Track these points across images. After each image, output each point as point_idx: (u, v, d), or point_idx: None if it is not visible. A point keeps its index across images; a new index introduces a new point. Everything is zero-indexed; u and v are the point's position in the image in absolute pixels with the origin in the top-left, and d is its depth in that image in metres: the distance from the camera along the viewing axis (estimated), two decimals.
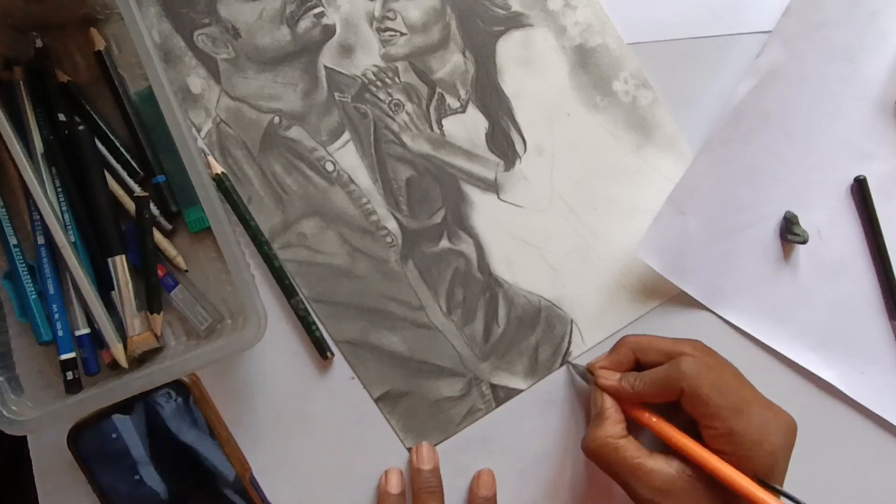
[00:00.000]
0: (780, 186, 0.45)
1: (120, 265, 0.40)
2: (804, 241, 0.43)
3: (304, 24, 0.45)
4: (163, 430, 0.41)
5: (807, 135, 0.45)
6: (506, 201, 0.45)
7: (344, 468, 0.44)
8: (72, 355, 0.40)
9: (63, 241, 0.39)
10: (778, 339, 0.44)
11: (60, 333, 0.41)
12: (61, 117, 0.41)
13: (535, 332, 0.44)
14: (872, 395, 0.44)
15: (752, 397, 0.37)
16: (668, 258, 0.44)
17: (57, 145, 0.41)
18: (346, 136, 0.45)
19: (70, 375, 0.40)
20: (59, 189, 0.41)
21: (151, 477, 0.41)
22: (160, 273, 0.42)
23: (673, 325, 0.44)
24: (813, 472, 0.44)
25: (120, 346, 0.40)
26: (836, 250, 0.45)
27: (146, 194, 0.41)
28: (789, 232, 0.44)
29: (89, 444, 0.41)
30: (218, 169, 0.44)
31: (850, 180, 0.45)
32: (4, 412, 0.38)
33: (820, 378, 0.44)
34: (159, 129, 0.41)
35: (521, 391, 0.44)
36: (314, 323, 0.44)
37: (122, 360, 0.40)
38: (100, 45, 0.43)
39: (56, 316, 0.41)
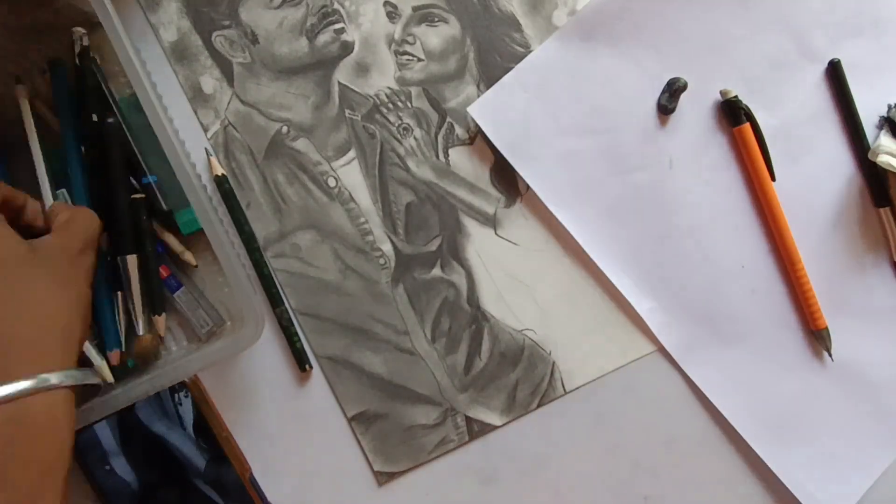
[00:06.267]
0: (645, 105, 0.48)
1: (132, 264, 0.45)
2: (668, 111, 0.48)
3: (324, 38, 0.49)
4: (133, 421, 0.46)
5: (682, 59, 0.48)
6: (502, 237, 0.49)
7: (343, 468, 0.48)
8: None
9: None
10: (603, 258, 0.48)
11: None
12: (94, 117, 0.45)
13: (516, 369, 0.48)
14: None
15: None
16: (506, 131, 0.48)
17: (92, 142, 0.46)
18: (352, 153, 0.49)
19: None
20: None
21: (122, 467, 0.45)
22: (163, 274, 0.46)
23: (652, 379, 0.48)
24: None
25: (104, 364, 0.44)
26: (686, 179, 0.48)
27: (143, 196, 0.45)
28: (669, 95, 0.47)
29: (79, 440, 0.45)
30: (219, 170, 0.48)
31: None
32: None
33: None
34: (146, 135, 0.45)
35: (496, 427, 0.48)
36: (296, 334, 0.48)
37: (108, 376, 0.44)
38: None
39: None
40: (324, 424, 0.48)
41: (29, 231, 0.41)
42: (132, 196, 0.45)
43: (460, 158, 0.49)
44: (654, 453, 0.48)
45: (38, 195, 0.45)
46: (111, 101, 0.47)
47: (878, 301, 0.47)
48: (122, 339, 0.45)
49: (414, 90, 0.49)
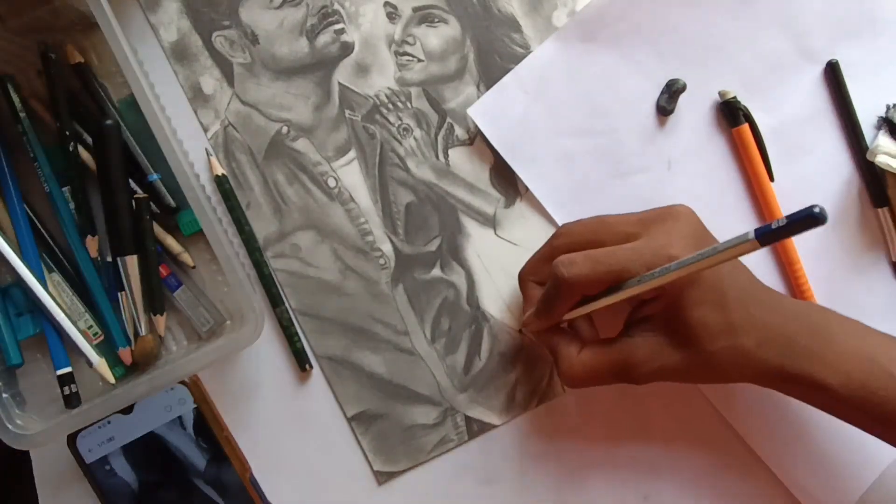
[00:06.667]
0: (644, 106, 0.49)
1: (132, 265, 0.45)
2: (667, 113, 0.48)
3: (324, 38, 0.49)
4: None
5: (681, 60, 0.49)
6: (502, 238, 0.49)
7: (343, 468, 0.48)
8: (68, 370, 0.45)
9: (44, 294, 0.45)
10: None
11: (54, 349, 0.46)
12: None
13: (515, 369, 0.49)
14: None
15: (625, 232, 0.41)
16: (505, 133, 0.48)
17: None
18: (352, 154, 0.49)
19: (67, 390, 0.45)
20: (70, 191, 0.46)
21: (122, 467, 0.46)
22: (163, 273, 0.46)
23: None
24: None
25: (103, 361, 0.45)
26: (685, 181, 0.49)
27: (146, 195, 0.45)
28: (668, 97, 0.47)
29: (89, 443, 0.45)
30: (219, 170, 0.48)
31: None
32: (11, 427, 0.42)
33: None
34: (145, 135, 0.45)
35: (495, 426, 0.48)
36: (296, 334, 0.48)
37: (109, 376, 0.44)
38: (76, 58, 0.47)
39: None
40: (324, 424, 0.48)
41: None
42: (135, 196, 0.46)
43: (460, 159, 0.49)
44: (654, 453, 0.48)
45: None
46: (108, 102, 0.47)
47: (876, 301, 0.48)
48: (132, 338, 0.46)
49: (414, 91, 0.49)
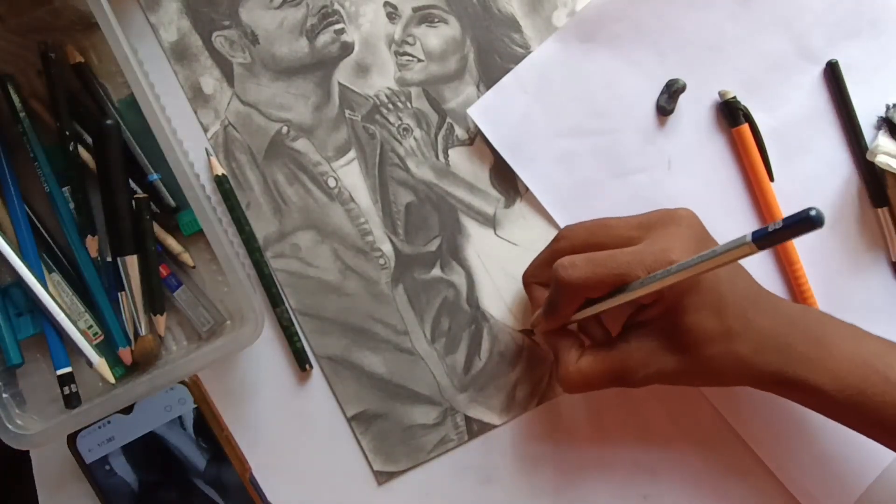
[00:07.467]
0: (644, 106, 0.49)
1: (132, 265, 0.45)
2: (667, 113, 0.48)
3: (324, 38, 0.49)
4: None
5: (681, 60, 0.49)
6: (502, 237, 0.49)
7: (343, 468, 0.49)
8: (68, 370, 0.46)
9: (42, 293, 0.45)
10: None
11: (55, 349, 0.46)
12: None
13: (515, 369, 0.49)
14: None
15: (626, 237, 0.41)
16: (505, 133, 0.48)
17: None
18: (352, 154, 0.49)
19: (67, 390, 0.45)
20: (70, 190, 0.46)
21: (122, 467, 0.46)
22: (163, 273, 0.47)
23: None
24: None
25: (103, 361, 0.45)
26: (685, 181, 0.49)
27: (146, 195, 0.46)
28: (668, 97, 0.47)
29: (89, 443, 0.45)
30: (219, 170, 0.48)
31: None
32: (11, 427, 0.43)
33: None
34: (145, 135, 0.45)
35: (495, 426, 0.48)
36: (296, 334, 0.48)
37: (109, 376, 0.45)
38: (76, 58, 0.47)
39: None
40: (324, 424, 0.48)
41: None
42: (135, 196, 0.46)
43: (460, 159, 0.49)
44: (654, 453, 0.48)
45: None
46: (108, 102, 0.47)
47: (876, 301, 0.48)
48: (132, 338, 0.46)
49: (414, 91, 0.49)
